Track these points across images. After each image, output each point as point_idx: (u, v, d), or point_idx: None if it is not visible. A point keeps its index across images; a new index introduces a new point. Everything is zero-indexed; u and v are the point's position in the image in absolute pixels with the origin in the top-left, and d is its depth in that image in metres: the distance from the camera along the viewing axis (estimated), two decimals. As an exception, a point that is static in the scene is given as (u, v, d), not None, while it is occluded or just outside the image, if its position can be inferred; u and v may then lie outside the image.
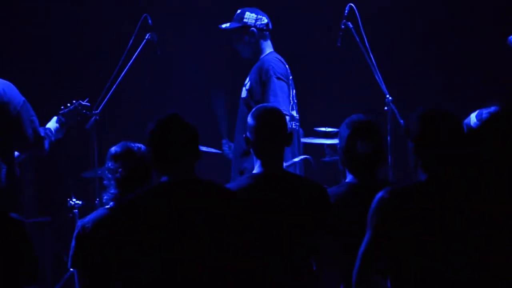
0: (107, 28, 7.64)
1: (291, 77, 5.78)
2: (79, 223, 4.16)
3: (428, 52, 7.63)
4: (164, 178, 3.66)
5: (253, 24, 5.84)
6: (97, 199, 5.58)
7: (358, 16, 5.72)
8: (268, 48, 5.87)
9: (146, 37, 6.01)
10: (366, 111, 4.61)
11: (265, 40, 5.87)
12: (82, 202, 5.70)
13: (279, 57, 5.83)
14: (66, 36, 7.69)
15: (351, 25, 5.73)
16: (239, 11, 5.90)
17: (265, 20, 5.87)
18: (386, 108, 5.65)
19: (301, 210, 3.92)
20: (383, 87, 5.66)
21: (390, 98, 5.65)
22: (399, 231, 3.29)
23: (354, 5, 5.76)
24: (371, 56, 5.68)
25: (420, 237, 3.28)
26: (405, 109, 5.75)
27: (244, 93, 5.76)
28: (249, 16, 5.86)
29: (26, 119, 5.25)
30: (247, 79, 5.79)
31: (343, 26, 5.77)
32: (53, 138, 5.39)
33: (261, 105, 4.29)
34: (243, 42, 5.86)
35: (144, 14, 5.96)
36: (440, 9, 7.57)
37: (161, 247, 3.51)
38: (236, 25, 5.86)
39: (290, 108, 5.66)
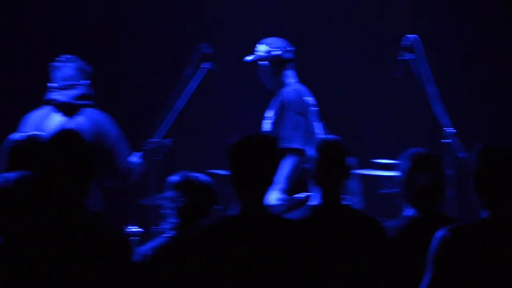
0: (165, 56, 7.71)
1: (313, 109, 5.72)
2: (140, 250, 4.18)
3: (490, 83, 7.57)
4: (238, 208, 3.48)
5: (267, 56, 5.75)
6: (155, 227, 5.61)
7: (417, 48, 5.69)
8: (288, 78, 5.76)
9: (204, 66, 6.04)
10: (425, 143, 4.61)
11: (282, 71, 5.75)
12: (140, 229, 5.73)
13: (299, 88, 5.73)
14: (125, 65, 7.79)
15: (410, 57, 5.70)
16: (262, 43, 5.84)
17: (278, 51, 5.76)
18: (446, 140, 5.61)
19: (358, 244, 3.92)
20: (443, 119, 5.62)
21: (450, 130, 5.59)
22: (461, 269, 3.27)
23: (414, 35, 5.73)
24: (431, 87, 5.64)
25: (482, 276, 3.25)
26: (466, 142, 5.71)
27: (268, 127, 5.69)
28: (263, 49, 5.77)
29: (120, 151, 5.39)
30: (269, 110, 5.73)
31: (401, 58, 5.75)
32: (138, 171, 5.52)
33: (323, 136, 4.28)
34: (261, 72, 5.79)
35: (202, 44, 6.00)
36: (501, 37, 7.51)
37: (225, 283, 3.40)
38: (254, 57, 5.78)
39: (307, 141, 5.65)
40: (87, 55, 5.73)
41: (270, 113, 5.72)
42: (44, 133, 4.16)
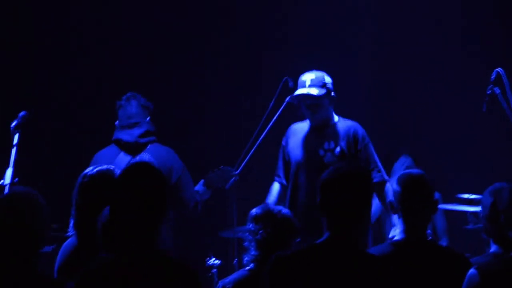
0: (247, 89, 7.74)
1: None
2: (220, 283, 4.18)
3: None
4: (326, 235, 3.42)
5: (332, 89, 5.75)
6: (236, 259, 5.60)
7: (505, 81, 5.55)
8: (334, 113, 5.80)
9: (287, 100, 6.01)
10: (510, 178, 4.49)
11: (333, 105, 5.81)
12: (221, 262, 5.72)
13: None
14: (209, 97, 7.87)
15: (498, 91, 5.57)
16: (313, 76, 5.75)
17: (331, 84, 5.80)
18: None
19: (443, 282, 3.81)
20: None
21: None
22: None
23: (499, 69, 5.60)
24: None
25: None
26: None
27: (330, 157, 5.62)
28: (329, 81, 5.76)
29: (185, 185, 5.49)
30: (331, 143, 5.66)
31: (489, 92, 5.62)
32: (198, 199, 5.57)
33: (407, 171, 4.18)
34: (324, 107, 5.72)
35: (285, 77, 5.99)
36: None
37: None
38: (323, 91, 5.71)
39: None
40: (165, 88, 5.86)
41: (332, 145, 5.67)
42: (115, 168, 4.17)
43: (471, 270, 3.41)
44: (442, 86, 7.59)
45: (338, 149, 5.63)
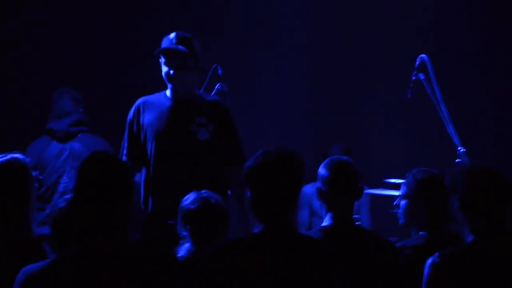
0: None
1: None
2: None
3: (503, 103, 7.58)
4: (258, 229, 3.43)
5: (199, 55, 5.12)
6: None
7: (429, 68, 5.66)
8: None
9: (216, 87, 6.03)
10: (438, 163, 4.60)
11: None
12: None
13: None
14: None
15: (422, 77, 5.67)
16: (181, 34, 5.09)
17: None
18: (458, 160, 5.56)
19: (371, 267, 3.91)
20: (455, 138, 5.58)
21: (462, 149, 5.54)
22: None
23: (424, 55, 5.70)
24: (443, 107, 5.60)
25: None
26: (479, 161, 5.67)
27: (205, 134, 5.05)
28: (196, 45, 5.11)
29: None
30: (202, 118, 5.05)
31: (414, 78, 5.72)
32: None
33: (335, 156, 4.21)
34: (189, 71, 5.08)
35: (215, 65, 6.01)
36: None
37: None
38: (190, 52, 5.05)
39: None
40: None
41: (204, 120, 5.11)
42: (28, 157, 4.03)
43: (431, 259, 3.36)
44: (367, 74, 7.73)
45: (209, 124, 5.06)
